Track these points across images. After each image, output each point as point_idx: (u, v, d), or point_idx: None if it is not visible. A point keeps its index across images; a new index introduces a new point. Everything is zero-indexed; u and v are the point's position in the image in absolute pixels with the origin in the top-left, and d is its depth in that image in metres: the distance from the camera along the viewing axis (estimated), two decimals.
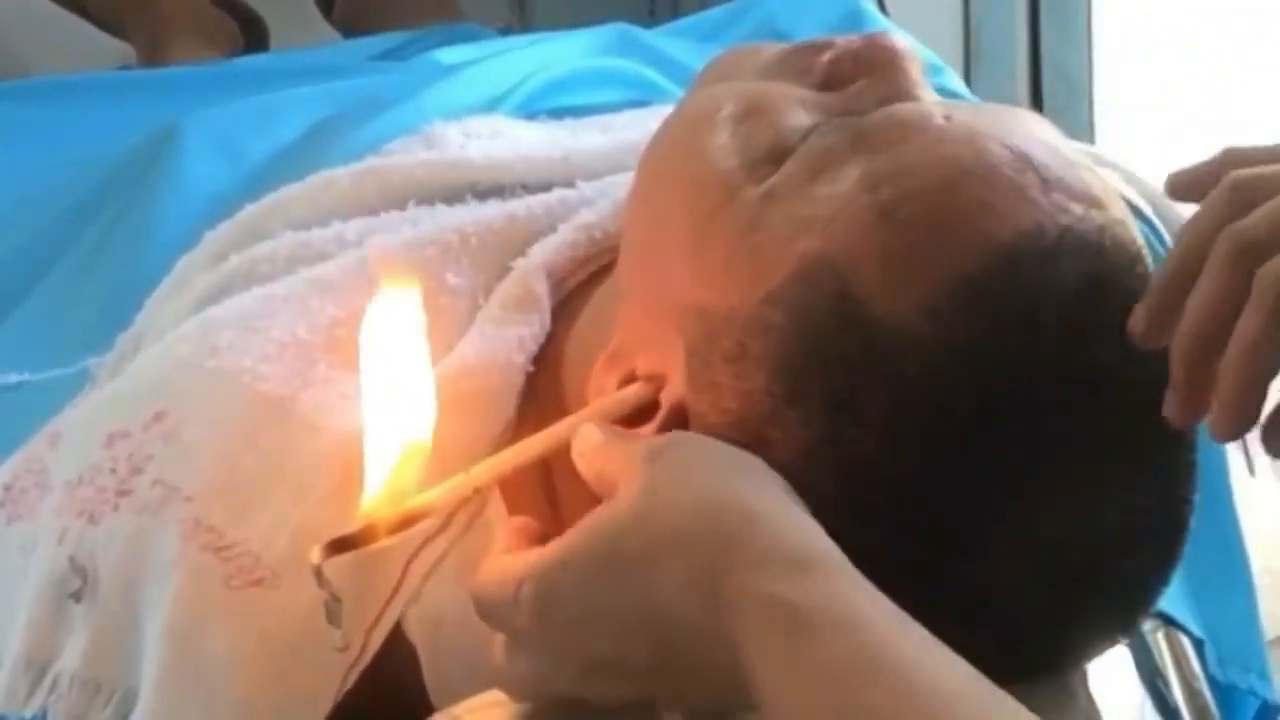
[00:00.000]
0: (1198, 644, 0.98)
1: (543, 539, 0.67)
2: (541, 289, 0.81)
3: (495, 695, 0.70)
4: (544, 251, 0.82)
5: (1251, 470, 1.08)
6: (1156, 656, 0.99)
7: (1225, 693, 1.00)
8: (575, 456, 0.69)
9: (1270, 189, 0.62)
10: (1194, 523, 0.69)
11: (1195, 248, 0.63)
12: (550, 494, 0.77)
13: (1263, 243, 0.61)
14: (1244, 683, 0.99)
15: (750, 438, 0.66)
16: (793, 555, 0.60)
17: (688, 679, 0.62)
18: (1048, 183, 0.67)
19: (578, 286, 0.82)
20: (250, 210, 0.93)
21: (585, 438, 0.69)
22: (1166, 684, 0.99)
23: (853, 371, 0.65)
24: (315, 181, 0.93)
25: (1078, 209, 0.66)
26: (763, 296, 0.67)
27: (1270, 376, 0.61)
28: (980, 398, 0.64)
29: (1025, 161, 0.67)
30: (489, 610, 0.66)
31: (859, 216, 0.66)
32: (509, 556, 0.67)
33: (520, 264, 0.82)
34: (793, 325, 0.66)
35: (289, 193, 0.93)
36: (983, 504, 0.64)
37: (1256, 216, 0.61)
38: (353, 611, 0.73)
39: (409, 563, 0.74)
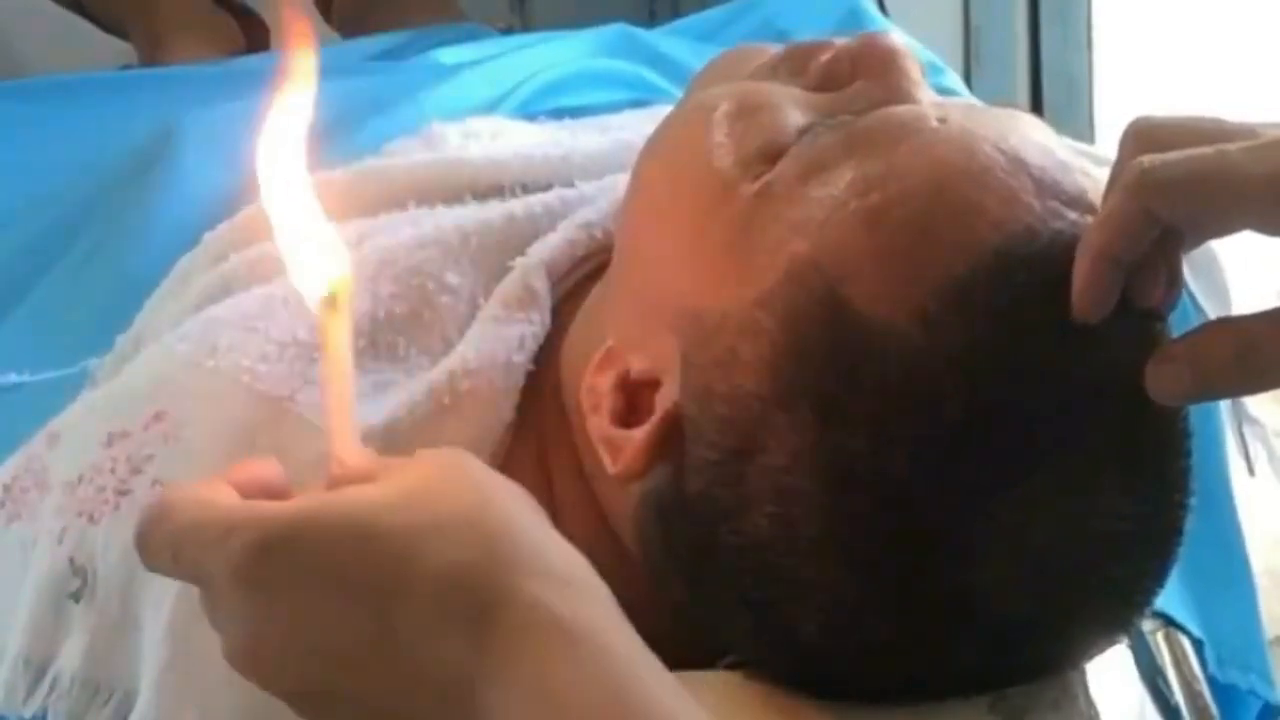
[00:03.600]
0: (1197, 644, 0.98)
1: (280, 497, 0.59)
2: (542, 287, 0.80)
3: None
4: (544, 249, 0.82)
5: (1251, 470, 1.08)
6: (1156, 656, 0.99)
7: (1225, 693, 1.00)
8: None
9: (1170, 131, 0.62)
10: (1194, 522, 0.69)
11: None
12: (549, 497, 0.77)
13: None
14: (1244, 683, 0.99)
15: (742, 442, 0.66)
16: (561, 571, 0.57)
17: (396, 688, 0.56)
18: (1041, 186, 0.66)
19: (576, 284, 0.82)
20: (249, 211, 0.92)
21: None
22: (1167, 684, 0.98)
23: (841, 376, 0.64)
24: (314, 183, 0.93)
25: (1071, 214, 0.66)
26: (753, 299, 0.67)
27: (1126, 254, 0.62)
28: (968, 403, 0.63)
29: (1018, 164, 0.67)
30: (182, 542, 0.57)
31: (848, 220, 0.66)
32: (233, 500, 0.58)
33: (520, 262, 0.82)
34: (782, 329, 0.66)
35: None
36: (971, 509, 0.64)
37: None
38: None
39: None
